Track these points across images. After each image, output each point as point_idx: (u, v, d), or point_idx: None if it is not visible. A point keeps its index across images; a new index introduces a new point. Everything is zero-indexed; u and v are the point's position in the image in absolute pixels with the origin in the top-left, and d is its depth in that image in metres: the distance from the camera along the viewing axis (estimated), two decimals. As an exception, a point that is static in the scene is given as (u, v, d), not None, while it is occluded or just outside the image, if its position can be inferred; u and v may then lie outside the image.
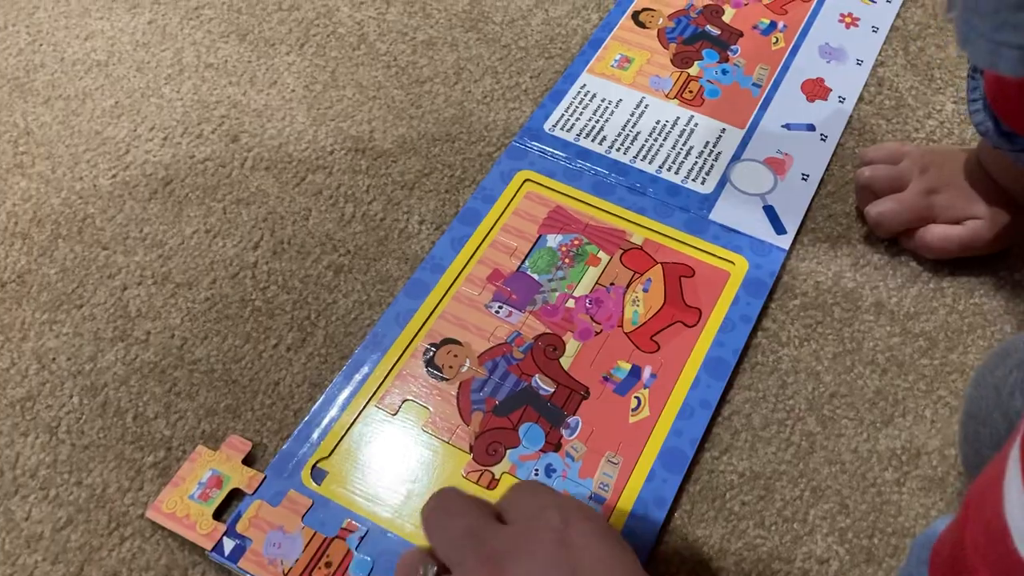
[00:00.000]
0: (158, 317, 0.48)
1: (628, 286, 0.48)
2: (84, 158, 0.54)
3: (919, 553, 0.33)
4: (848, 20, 0.61)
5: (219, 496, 0.41)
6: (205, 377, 0.45)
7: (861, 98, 0.57)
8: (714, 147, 0.54)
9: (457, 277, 0.48)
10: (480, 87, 0.58)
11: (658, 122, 0.55)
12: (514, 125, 0.56)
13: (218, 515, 0.41)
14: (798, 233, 0.51)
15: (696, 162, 0.54)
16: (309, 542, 0.40)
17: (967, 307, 0.49)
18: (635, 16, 0.61)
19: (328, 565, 0.40)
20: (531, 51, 0.59)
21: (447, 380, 0.45)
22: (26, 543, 0.41)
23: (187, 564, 0.40)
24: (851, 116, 0.56)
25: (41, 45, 0.59)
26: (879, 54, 0.60)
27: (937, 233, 0.49)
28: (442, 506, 0.34)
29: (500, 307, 0.48)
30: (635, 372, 0.45)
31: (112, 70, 0.58)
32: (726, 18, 0.61)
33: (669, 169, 0.53)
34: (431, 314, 0.47)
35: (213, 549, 0.40)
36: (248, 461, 0.43)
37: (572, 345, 0.46)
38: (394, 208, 0.52)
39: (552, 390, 0.45)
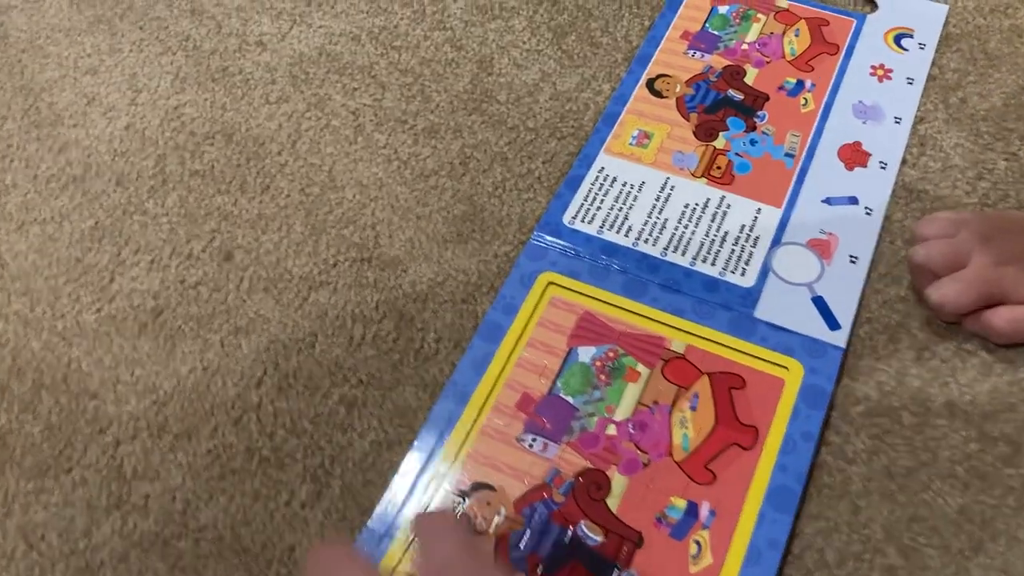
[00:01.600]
0: (157, 477, 0.43)
1: (674, 404, 0.44)
2: (65, 291, 0.49)
3: None
4: (880, 73, 0.57)
5: None
6: (213, 547, 0.41)
7: (904, 161, 0.53)
8: (751, 231, 0.50)
9: (483, 406, 0.44)
10: (490, 177, 0.53)
11: (687, 206, 0.51)
12: (530, 218, 0.51)
13: None
14: (853, 326, 0.47)
15: (733, 250, 0.49)
16: None
17: (1049, 402, 0.44)
18: (650, 84, 0.56)
19: None
20: (541, 132, 0.55)
21: (481, 533, 0.40)
22: None
23: None
24: (896, 183, 0.52)
25: (12, 162, 0.55)
26: (918, 109, 0.55)
27: (1005, 316, 0.45)
28: None
29: (534, 440, 0.43)
30: (692, 510, 0.41)
31: (90, 186, 0.53)
32: (748, 80, 0.56)
33: (704, 260, 0.49)
34: (457, 454, 0.42)
35: None
36: (267, 645, 0.38)
37: (618, 482, 0.42)
38: (407, 326, 0.47)
39: (601, 539, 0.40)
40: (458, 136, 0.55)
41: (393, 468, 0.42)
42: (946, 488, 0.42)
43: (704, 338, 0.46)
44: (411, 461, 0.42)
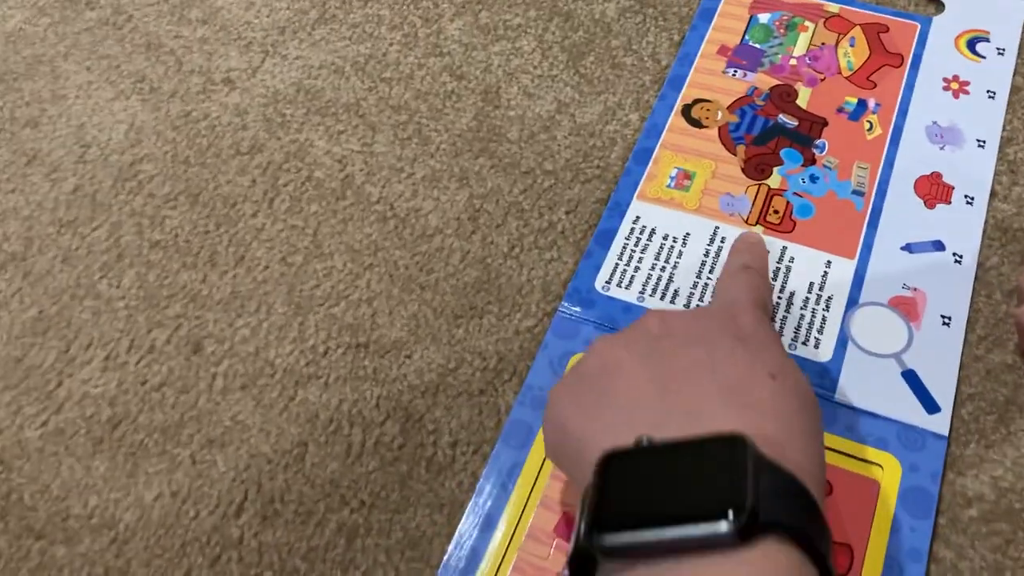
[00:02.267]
0: (118, 638, 0.35)
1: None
2: (2, 401, 0.41)
3: None
4: (955, 86, 0.48)
5: None
6: None
7: (994, 193, 0.45)
8: (821, 290, 0.42)
9: (513, 535, 0.36)
10: (504, 234, 0.45)
11: None
12: (555, 283, 0.43)
13: None
14: (955, 406, 0.39)
15: (803, 315, 0.41)
16: None
17: None
18: (686, 112, 0.48)
19: None
20: (562, 176, 0.47)
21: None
22: None
23: None
24: (986, 221, 0.44)
25: (-60, 237, 0.47)
26: (1004, 128, 0.47)
27: None
28: None
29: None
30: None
31: (32, 264, 0.45)
32: (802, 102, 0.48)
33: None
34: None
35: None
36: None
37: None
38: (415, 427, 0.39)
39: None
40: (464, 185, 0.47)
41: (407, 616, 0.35)
42: (1091, 615, 0.34)
43: None
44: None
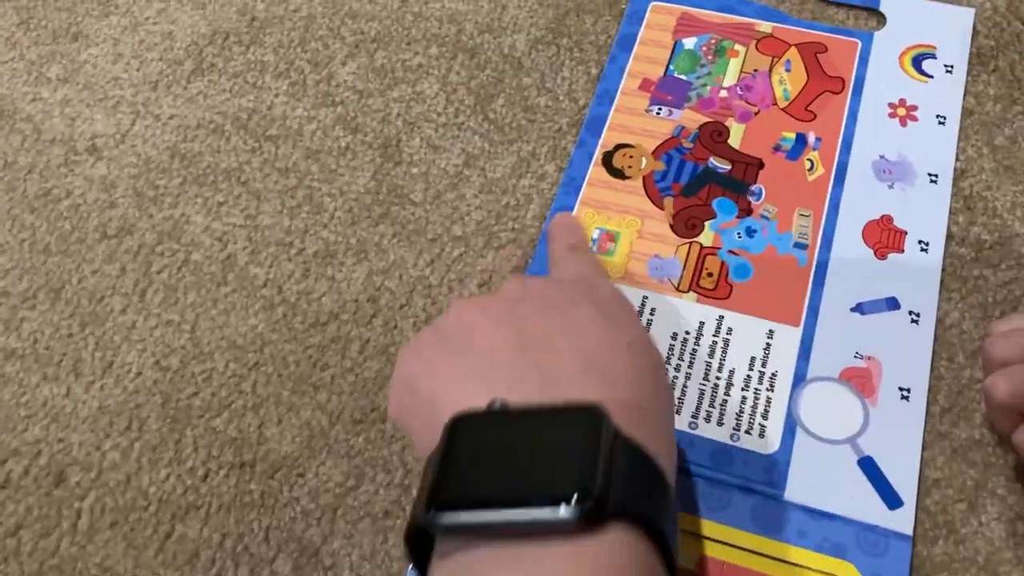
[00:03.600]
0: None
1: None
2: None
3: None
4: (902, 112, 0.44)
5: None
6: None
7: (950, 236, 0.40)
8: (764, 366, 0.37)
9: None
10: (409, 317, 0.40)
11: (675, 336, 0.38)
12: (468, 372, 0.38)
13: None
14: (919, 497, 0.34)
15: (744, 397, 0.36)
16: None
17: None
18: (607, 161, 0.43)
19: None
20: (472, 241, 0.41)
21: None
22: None
23: None
24: (944, 271, 0.39)
25: None
26: (957, 158, 0.42)
27: None
28: None
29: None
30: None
31: None
32: (734, 141, 0.43)
33: (708, 419, 0.36)
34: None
35: None
36: None
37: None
38: (310, 563, 0.34)
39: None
40: (363, 259, 0.41)
41: None
42: None
43: (721, 542, 0.33)
44: None
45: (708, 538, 0.33)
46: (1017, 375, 0.34)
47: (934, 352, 0.37)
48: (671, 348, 0.37)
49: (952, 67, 0.45)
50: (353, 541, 0.34)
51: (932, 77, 0.45)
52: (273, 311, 0.40)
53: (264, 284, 0.41)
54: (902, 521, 0.33)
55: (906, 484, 0.34)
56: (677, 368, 0.37)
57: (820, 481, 0.34)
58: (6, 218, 0.44)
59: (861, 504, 0.34)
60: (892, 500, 0.34)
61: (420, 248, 0.42)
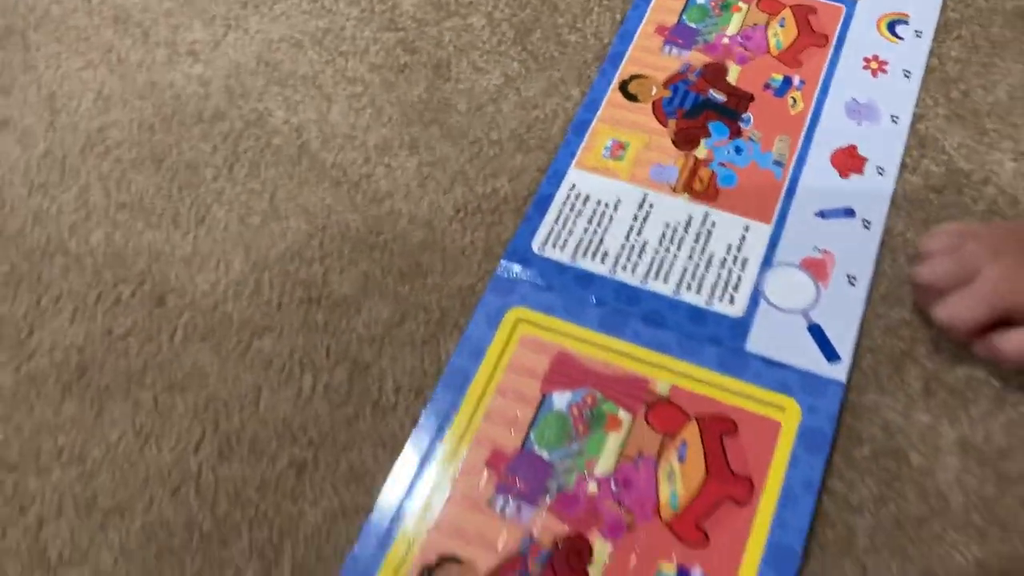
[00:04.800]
0: (85, 560, 0.38)
1: (659, 456, 0.39)
2: (-23, 349, 0.44)
3: None
4: (875, 66, 0.52)
5: None
6: (148, 643, 0.36)
7: (904, 165, 0.48)
8: (739, 252, 0.45)
9: (448, 468, 0.39)
10: (450, 199, 0.48)
11: (667, 225, 0.46)
12: (496, 245, 0.46)
13: None
14: (854, 357, 0.42)
15: (720, 274, 0.44)
16: None
17: (1071, 437, 0.40)
18: (623, 87, 0.51)
19: None
20: (506, 145, 0.50)
21: None
22: None
23: None
24: (895, 191, 0.47)
25: (-83, 197, 0.49)
26: (916, 105, 0.50)
27: (1015, 340, 0.41)
28: None
29: (506, 502, 0.38)
30: None
31: (4, 223, 0.48)
32: (731, 79, 0.51)
33: (689, 288, 0.44)
34: (421, 522, 0.38)
35: None
36: None
37: (601, 547, 0.37)
38: (362, 374, 0.43)
39: None
40: (414, 153, 0.50)
41: (349, 541, 0.38)
42: (962, 539, 0.38)
43: (691, 377, 0.41)
44: (369, 532, 0.38)
45: (682, 374, 0.41)
46: (938, 264, 0.42)
47: (880, 253, 0.45)
48: (663, 234, 0.46)
49: (921, 32, 0.53)
50: (396, 361, 0.43)
51: (903, 39, 0.53)
52: (339, 188, 0.49)
53: (332, 166, 0.49)
54: (838, 372, 0.41)
55: (845, 347, 0.42)
56: (667, 249, 0.45)
57: (775, 339, 0.42)
58: (119, 102, 0.52)
59: (807, 358, 0.42)
60: (832, 356, 0.42)
61: (462, 147, 0.50)
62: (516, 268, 0.45)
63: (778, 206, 0.47)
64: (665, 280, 0.44)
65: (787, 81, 0.51)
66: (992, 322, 0.41)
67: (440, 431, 0.40)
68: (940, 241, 0.43)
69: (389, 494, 0.39)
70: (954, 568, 0.37)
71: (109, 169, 0.50)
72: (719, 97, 0.51)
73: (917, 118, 0.50)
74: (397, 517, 0.38)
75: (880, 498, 0.39)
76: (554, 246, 0.46)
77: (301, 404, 0.42)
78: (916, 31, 0.53)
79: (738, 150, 0.49)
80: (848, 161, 0.48)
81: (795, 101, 0.50)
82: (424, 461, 0.39)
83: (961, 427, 0.40)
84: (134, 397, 0.42)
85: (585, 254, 0.45)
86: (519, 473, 0.39)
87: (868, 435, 0.40)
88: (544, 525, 0.38)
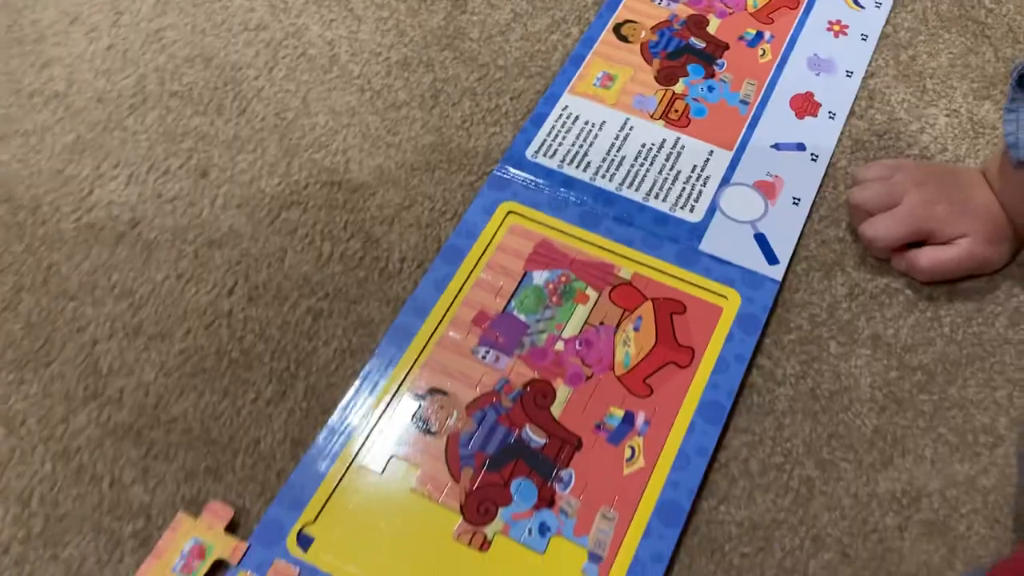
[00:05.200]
0: (131, 373, 0.46)
1: (618, 325, 0.47)
2: (46, 200, 0.51)
3: None
4: (837, 28, 0.59)
5: (202, 568, 0.40)
6: (183, 437, 0.44)
7: (852, 112, 0.56)
8: (702, 171, 0.53)
9: (441, 320, 0.47)
10: (459, 111, 0.55)
11: (643, 145, 0.53)
12: (495, 151, 0.54)
13: (202, 590, 0.40)
14: (791, 262, 0.50)
15: (684, 188, 0.52)
16: None
17: (965, 337, 0.47)
18: (617, 29, 0.59)
19: None
20: (510, 70, 0.57)
21: (434, 434, 0.43)
22: (1, 626, 0.39)
23: (171, 642, 0.39)
24: (842, 132, 0.55)
25: (-5, 75, 0.56)
26: (869, 64, 0.58)
27: (928, 255, 0.48)
28: None
29: (487, 352, 0.46)
30: (629, 419, 0.44)
31: (72, 101, 0.55)
32: (711, 29, 0.59)
33: (656, 197, 0.51)
34: (415, 362, 0.45)
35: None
36: (231, 528, 0.41)
37: (563, 391, 0.45)
38: (373, 246, 0.50)
39: (544, 442, 0.43)
40: (430, 70, 0.57)
41: (355, 373, 0.45)
42: (864, 410, 0.45)
43: (651, 267, 0.49)
44: (372, 366, 0.45)
45: (643, 264, 0.49)
46: (869, 188, 0.49)
47: (823, 181, 0.53)
48: (639, 152, 0.53)
49: (880, 4, 0.61)
50: (403, 238, 0.50)
51: (864, 8, 0.60)
52: (363, 94, 0.56)
53: (358, 76, 0.57)
54: (776, 272, 0.49)
55: (784, 253, 0.50)
56: (641, 165, 0.53)
57: (725, 242, 0.50)
58: (175, 8, 0.59)
59: (750, 259, 0.49)
60: (772, 259, 0.49)
61: (472, 69, 0.57)
62: (511, 170, 0.52)
63: (740, 137, 0.54)
64: (637, 189, 0.52)
65: (759, 35, 0.59)
66: (909, 241, 0.49)
67: (436, 293, 0.48)
68: (874, 171, 0.51)
69: (390, 340, 0.46)
70: (855, 431, 0.45)
71: (164, 63, 0.57)
72: (699, 44, 0.58)
73: (868, 75, 0.57)
74: (395, 357, 0.45)
75: (800, 375, 0.46)
76: (545, 155, 0.53)
77: (320, 265, 0.49)
78: (876, 2, 0.61)
79: (710, 88, 0.56)
80: (805, 105, 0.56)
81: (764, 52, 0.58)
82: (420, 315, 0.47)
83: (875, 325, 0.48)
84: (178, 248, 0.49)
85: (571, 163, 0.53)
86: (499, 330, 0.47)
87: (796, 325, 0.48)
88: (517, 371, 0.45)
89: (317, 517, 0.41)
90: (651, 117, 0.55)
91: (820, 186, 0.53)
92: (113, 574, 0.40)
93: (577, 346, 0.46)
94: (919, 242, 0.49)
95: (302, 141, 0.54)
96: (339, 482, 0.42)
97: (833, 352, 0.47)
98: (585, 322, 0.47)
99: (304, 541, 0.41)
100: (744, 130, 0.54)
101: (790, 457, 0.44)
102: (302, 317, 0.47)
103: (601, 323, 0.47)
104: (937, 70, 0.58)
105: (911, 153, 0.54)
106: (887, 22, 0.60)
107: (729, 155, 0.53)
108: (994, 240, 0.48)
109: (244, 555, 0.40)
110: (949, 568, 0.41)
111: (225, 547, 0.40)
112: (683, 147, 0.53)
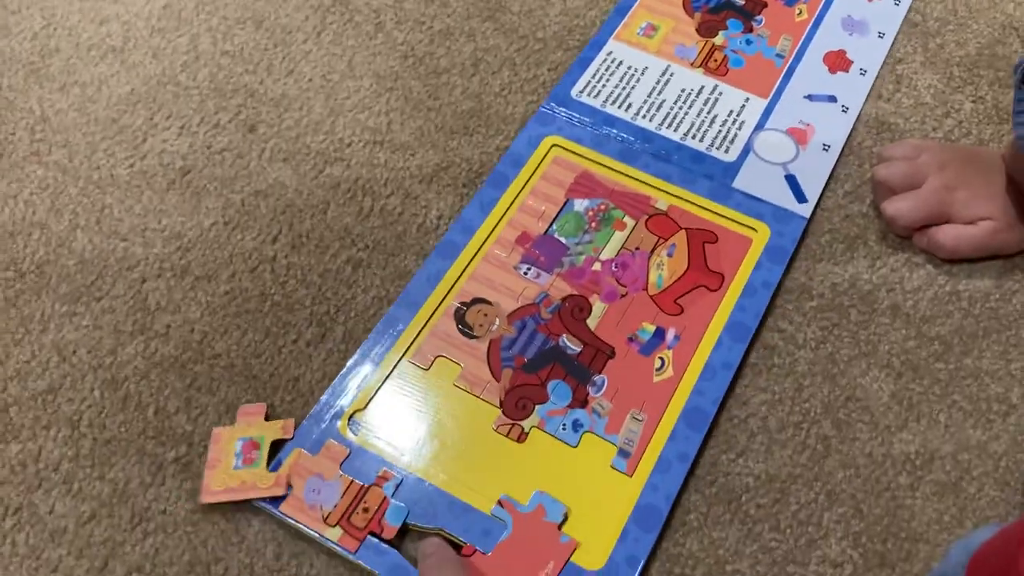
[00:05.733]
0: (177, 311, 0.48)
1: (653, 251, 0.50)
2: (101, 147, 0.53)
3: (958, 557, 0.34)
4: None
5: (262, 454, 0.42)
6: (225, 372, 0.46)
7: (880, 96, 0.57)
8: (738, 116, 0.55)
9: (486, 239, 0.50)
10: (498, 79, 0.57)
11: (683, 90, 0.56)
12: (531, 117, 0.56)
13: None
14: (818, 202, 0.51)
15: (720, 131, 0.55)
16: (347, 489, 0.42)
17: (982, 311, 0.49)
18: (657, -8, 0.61)
19: (366, 511, 0.41)
20: (549, 43, 0.59)
21: (477, 338, 0.46)
22: (50, 537, 0.41)
23: (209, 560, 0.41)
24: (871, 87, 0.57)
25: (56, 29, 0.59)
26: (897, 51, 0.59)
27: (950, 233, 0.50)
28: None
29: (528, 269, 0.49)
30: (659, 334, 0.47)
31: (128, 56, 0.58)
32: (753, -8, 0.61)
33: (694, 137, 0.54)
34: (461, 274, 0.48)
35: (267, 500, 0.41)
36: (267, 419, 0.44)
37: (598, 307, 0.48)
38: (412, 202, 0.52)
39: (579, 349, 0.46)
40: (471, 40, 0.59)
41: (393, 319, 0.47)
42: (881, 376, 0.47)
43: (686, 200, 0.52)
44: (420, 278, 0.48)
45: (679, 197, 0.52)
46: (894, 167, 0.51)
47: (853, 128, 0.55)
48: (678, 97, 0.56)
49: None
50: (441, 196, 0.52)
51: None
52: (406, 60, 0.58)
53: (402, 43, 0.59)
54: (804, 210, 0.51)
55: (812, 193, 0.52)
56: (680, 108, 0.55)
57: (757, 181, 0.52)
58: (228, -28, 0.62)
59: (780, 197, 0.52)
60: (801, 198, 0.52)
61: (511, 40, 0.59)
62: (556, 107, 0.55)
63: (775, 87, 0.57)
64: (675, 129, 0.55)
65: (794, -4, 0.61)
66: (929, 223, 0.50)
67: (483, 214, 0.50)
68: (900, 150, 0.52)
69: (439, 253, 0.49)
70: (872, 395, 0.46)
71: (217, 23, 0.59)
72: (739, 1, 0.60)
73: (896, 61, 0.59)
74: (442, 269, 0.48)
75: (821, 340, 0.48)
76: (589, 95, 0.56)
77: (361, 218, 0.51)
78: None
79: (748, 42, 0.58)
80: (838, 61, 0.58)
81: (801, 12, 0.60)
82: (467, 233, 0.50)
83: (895, 296, 0.49)
84: (225, 197, 0.52)
85: (614, 103, 0.56)
86: (541, 249, 0.50)
87: (818, 292, 0.49)
88: (556, 287, 0.48)
89: (367, 405, 0.44)
90: (691, 65, 0.57)
91: (849, 135, 0.55)
92: (156, 496, 0.42)
93: (613, 268, 0.49)
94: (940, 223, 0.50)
95: (347, 102, 0.56)
96: (388, 375, 0.45)
97: (853, 320, 0.49)
98: (622, 247, 0.50)
99: (354, 426, 0.44)
100: (779, 81, 0.57)
101: (808, 416, 0.45)
102: (342, 266, 0.49)
103: (637, 248, 0.50)
104: (965, 59, 0.59)
105: (936, 137, 0.56)
106: (914, 10, 0.62)
107: (764, 103, 0.56)
108: (1015, 224, 0.50)
109: (296, 433, 0.43)
110: (959, 526, 0.43)
111: (273, 430, 0.43)
112: (720, 94, 0.56)
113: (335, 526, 0.40)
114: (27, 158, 0.53)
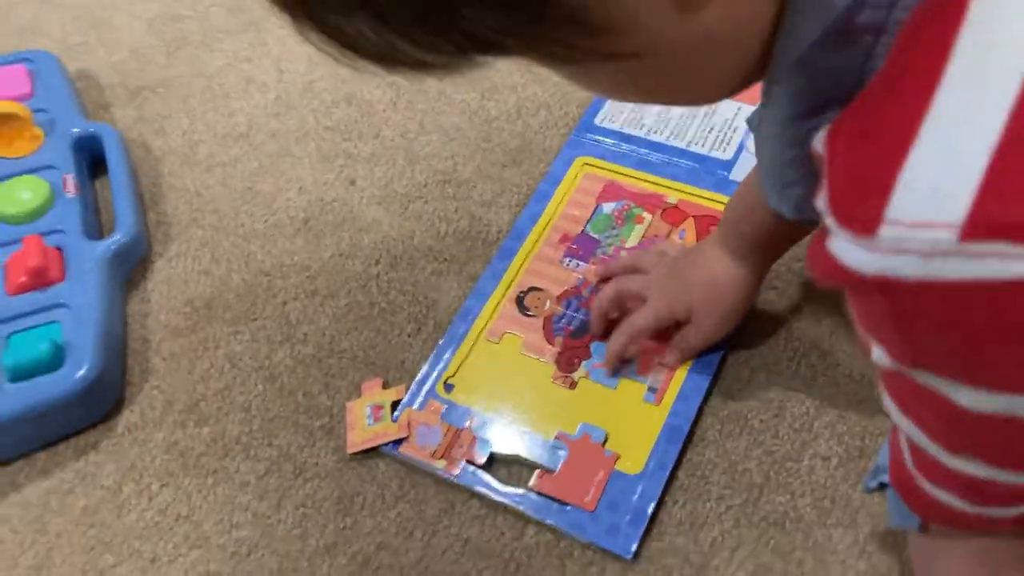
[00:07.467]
0: (312, 322, 0.64)
1: (668, 236, 0.63)
2: (242, 209, 0.71)
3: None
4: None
5: (386, 413, 0.57)
6: (351, 362, 0.61)
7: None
8: (732, 122, 0.69)
9: (536, 241, 0.65)
10: (537, 119, 0.72)
11: (686, 108, 0.70)
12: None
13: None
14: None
15: (718, 136, 0.68)
16: (447, 432, 0.56)
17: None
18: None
19: (461, 447, 0.55)
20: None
21: (535, 316, 0.61)
22: (239, 488, 0.57)
23: (352, 493, 0.55)
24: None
25: (197, 125, 0.77)
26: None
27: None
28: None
29: (570, 261, 0.63)
30: None
31: (253, 139, 0.75)
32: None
33: (697, 144, 0.68)
34: (519, 270, 0.63)
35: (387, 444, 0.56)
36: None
37: None
38: (476, 223, 0.67)
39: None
40: (514, 92, 0.74)
41: (469, 309, 0.62)
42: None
43: (692, 194, 0.65)
44: (487, 276, 0.63)
45: (686, 192, 0.65)
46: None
47: None
48: (683, 114, 0.70)
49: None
50: (500, 215, 0.67)
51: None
52: (463, 115, 0.74)
53: (460, 101, 0.75)
54: None
55: None
56: (684, 121, 0.69)
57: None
58: (323, 65, 0.79)
59: None
60: None
61: (546, 88, 0.74)
62: (585, 133, 0.70)
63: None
64: (681, 139, 0.68)
65: None
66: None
67: (531, 223, 0.65)
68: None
69: (500, 256, 0.64)
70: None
71: (318, 105, 0.76)
72: None
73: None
74: (504, 267, 0.63)
75: (805, 296, 0.60)
76: (610, 121, 0.71)
77: (439, 240, 0.66)
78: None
79: None
80: None
81: None
82: (519, 239, 0.64)
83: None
84: (338, 235, 0.68)
85: (630, 125, 0.70)
86: (579, 245, 0.64)
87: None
88: (592, 273, 0.63)
89: (456, 371, 0.59)
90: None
91: (824, 151, 0.66)
92: (309, 454, 0.58)
93: None
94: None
95: (421, 152, 0.72)
96: (471, 348, 0.60)
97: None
98: (643, 236, 0.64)
99: (448, 387, 0.58)
100: (763, 95, 0.69)
101: (798, 352, 0.57)
102: (428, 277, 0.65)
103: (655, 236, 0.64)
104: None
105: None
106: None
107: (752, 108, 0.68)
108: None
109: (406, 396, 0.58)
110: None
111: (390, 395, 0.58)
112: (716, 107, 0.70)
113: (440, 459, 0.55)
114: (188, 225, 0.71)
